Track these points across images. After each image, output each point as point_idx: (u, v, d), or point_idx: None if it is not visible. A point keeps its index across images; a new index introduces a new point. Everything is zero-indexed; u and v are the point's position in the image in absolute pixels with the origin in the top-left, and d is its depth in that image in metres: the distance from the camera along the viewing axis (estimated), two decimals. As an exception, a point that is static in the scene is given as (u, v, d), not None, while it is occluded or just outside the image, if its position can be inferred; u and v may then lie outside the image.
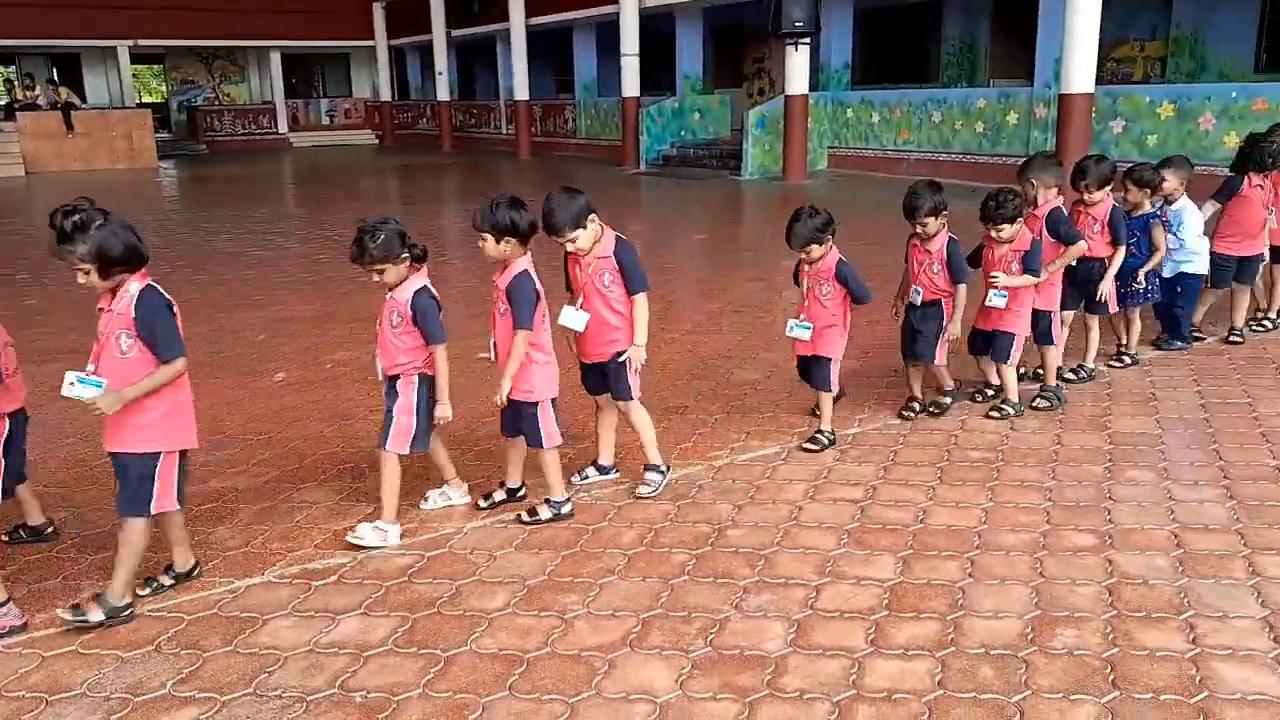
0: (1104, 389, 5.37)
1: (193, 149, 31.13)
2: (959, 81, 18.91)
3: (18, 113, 23.72)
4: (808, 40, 16.26)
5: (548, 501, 3.89)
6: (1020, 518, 3.83)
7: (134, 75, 32.23)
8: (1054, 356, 5.13)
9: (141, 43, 30.23)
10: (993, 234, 4.81)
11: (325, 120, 34.97)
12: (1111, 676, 2.80)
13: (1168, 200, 5.80)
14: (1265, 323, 6.49)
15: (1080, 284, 5.35)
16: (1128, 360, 5.69)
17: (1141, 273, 5.53)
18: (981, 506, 3.93)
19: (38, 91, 25.22)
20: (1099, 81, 12.81)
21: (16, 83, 26.60)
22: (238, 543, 3.81)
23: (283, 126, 33.18)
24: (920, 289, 4.80)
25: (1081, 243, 5.02)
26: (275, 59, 32.43)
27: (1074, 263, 5.09)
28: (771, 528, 3.78)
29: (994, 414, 4.91)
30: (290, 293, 8.95)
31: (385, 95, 33.52)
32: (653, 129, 20.64)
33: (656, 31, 21.05)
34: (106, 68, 31.14)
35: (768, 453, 4.54)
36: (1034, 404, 5.04)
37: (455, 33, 28.25)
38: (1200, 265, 5.91)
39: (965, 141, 15.67)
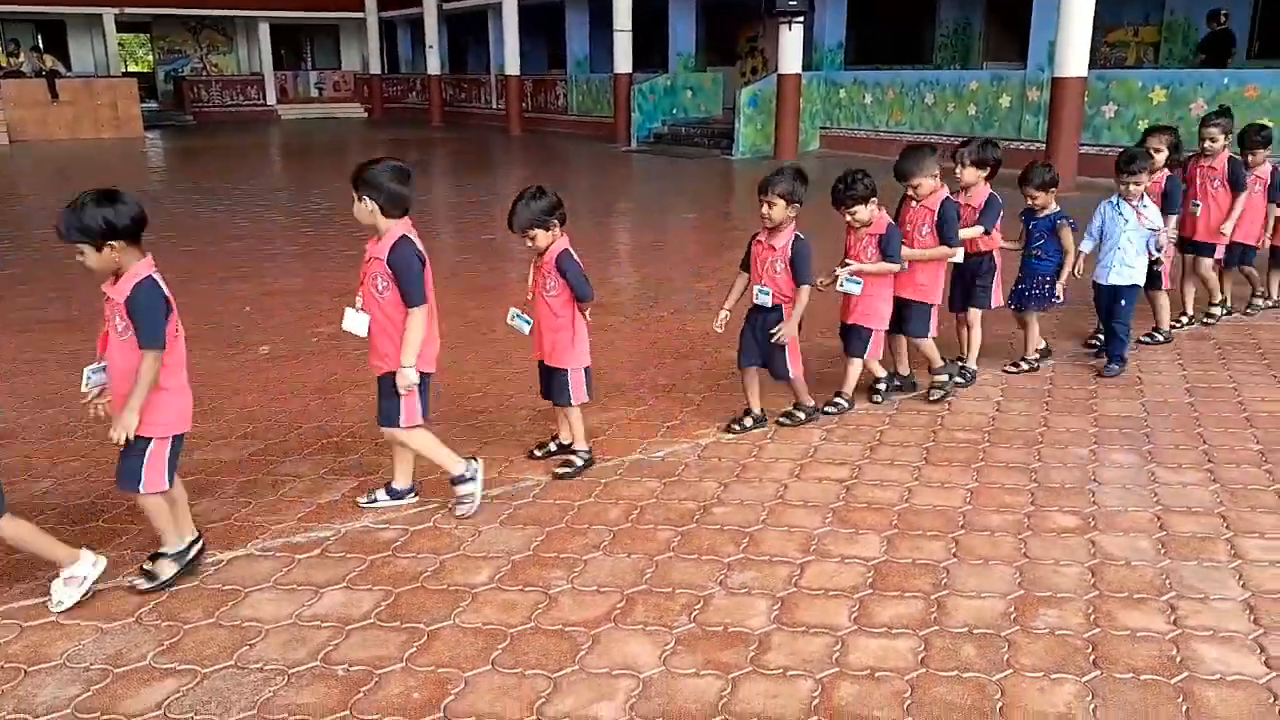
0: (1091, 373, 5.37)
1: (180, 119, 30.77)
2: (952, 63, 18.86)
3: (1, 80, 23.40)
4: (801, 19, 16.16)
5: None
6: (1005, 498, 3.84)
7: (120, 44, 31.83)
8: (929, 348, 4.88)
9: (128, 10, 29.83)
10: (846, 218, 4.55)
11: (314, 92, 34.62)
12: (1093, 656, 2.81)
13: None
14: (1214, 311, 6.35)
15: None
16: (1025, 366, 5.33)
17: (1059, 284, 5.16)
18: (966, 487, 3.94)
19: (22, 59, 24.88)
20: (1092, 65, 12.78)
21: (1, 50, 26.24)
22: (220, 515, 3.79)
23: (271, 98, 32.85)
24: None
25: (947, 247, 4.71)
26: (264, 29, 32.05)
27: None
28: (757, 505, 3.77)
29: (829, 409, 4.68)
30: (277, 265, 8.89)
31: (375, 68, 33.21)
32: (644, 106, 20.52)
33: (649, 8, 20.89)
34: (92, 36, 30.70)
35: (755, 432, 4.53)
36: (929, 396, 4.89)
37: (446, 5, 27.99)
38: (1138, 275, 5.29)
39: (957, 124, 15.62)
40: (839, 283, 4.54)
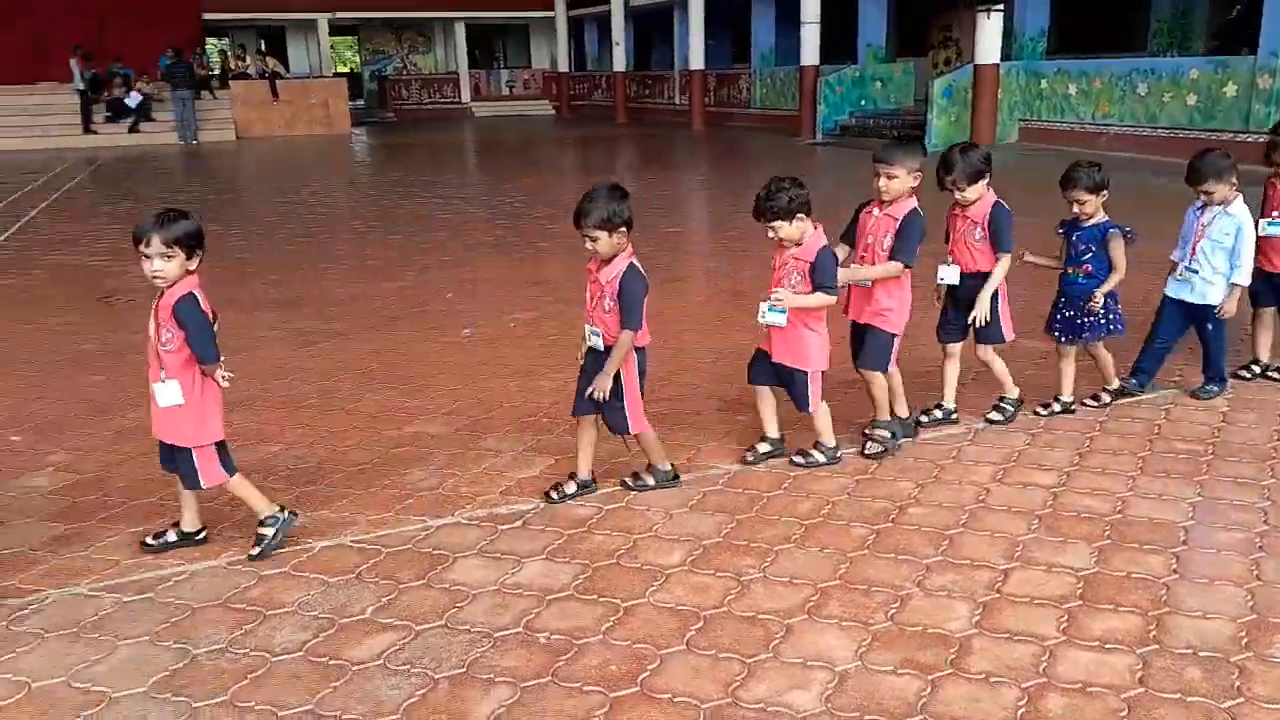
0: (1333, 385, 4.89)
1: (382, 117, 32.74)
2: (1169, 50, 17.53)
3: (231, 81, 25.60)
4: (1000, 7, 15.45)
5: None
6: (1233, 515, 3.55)
7: (331, 47, 34.13)
8: (879, 388, 4.15)
9: (339, 15, 31.99)
10: (769, 234, 3.86)
11: (505, 90, 36.04)
12: (1340, 691, 2.57)
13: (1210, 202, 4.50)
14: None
15: (966, 307, 4.29)
16: (1105, 399, 4.61)
17: (1099, 294, 4.33)
18: (1188, 501, 3.67)
19: (248, 62, 27.13)
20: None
21: (230, 54, 28.70)
22: (430, 484, 4.02)
23: (465, 96, 34.42)
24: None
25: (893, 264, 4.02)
26: (460, 30, 33.62)
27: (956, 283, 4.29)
28: (956, 508, 3.66)
29: (798, 459, 4.07)
30: (475, 255, 9.31)
31: (563, 66, 34.18)
32: (831, 98, 20.19)
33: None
34: (307, 40, 33.13)
35: (954, 432, 4.39)
36: (864, 450, 4.14)
37: (633, 3, 28.44)
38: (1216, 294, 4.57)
39: (1174, 115, 14.54)
40: (759, 314, 3.88)
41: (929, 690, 2.62)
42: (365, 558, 3.43)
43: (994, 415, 4.48)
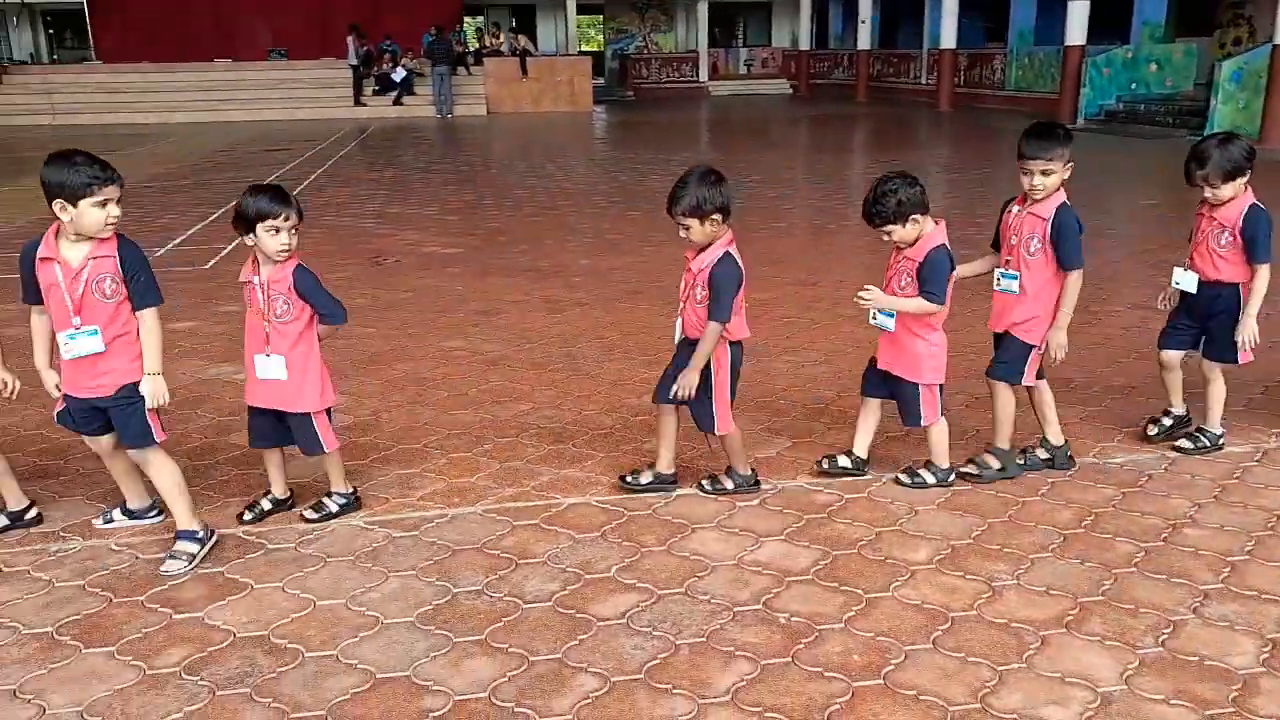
0: None
1: (621, 95, 33.52)
2: None
3: (484, 59, 27.03)
4: (1311, -20, 13.74)
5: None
6: None
7: (578, 25, 35.27)
8: (1002, 404, 3.74)
9: (588, -5, 32.97)
10: (884, 238, 3.56)
11: (743, 69, 35.95)
12: None
13: None
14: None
15: (1201, 317, 3.93)
16: (1204, 441, 3.95)
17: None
18: None
19: (501, 39, 28.54)
20: None
21: (485, 32, 30.29)
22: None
23: (703, 75, 34.62)
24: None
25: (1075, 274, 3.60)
26: (702, 9, 33.79)
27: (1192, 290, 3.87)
28: (1241, 533, 3.32)
29: (904, 478, 3.75)
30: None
31: (804, 44, 33.66)
32: (1097, 81, 18.72)
33: (1112, -27, 18.97)
34: (556, 18, 34.38)
35: (1239, 450, 3.99)
36: (960, 469, 3.75)
37: (883, -20, 27.54)
38: None
39: None
40: (870, 316, 3.65)
41: (1207, 728, 2.41)
42: (609, 518, 3.55)
43: (1184, 444, 3.97)
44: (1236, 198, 3.79)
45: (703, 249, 3.45)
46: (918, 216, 3.46)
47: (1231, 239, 3.79)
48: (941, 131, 19.70)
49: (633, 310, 6.50)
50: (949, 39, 23.62)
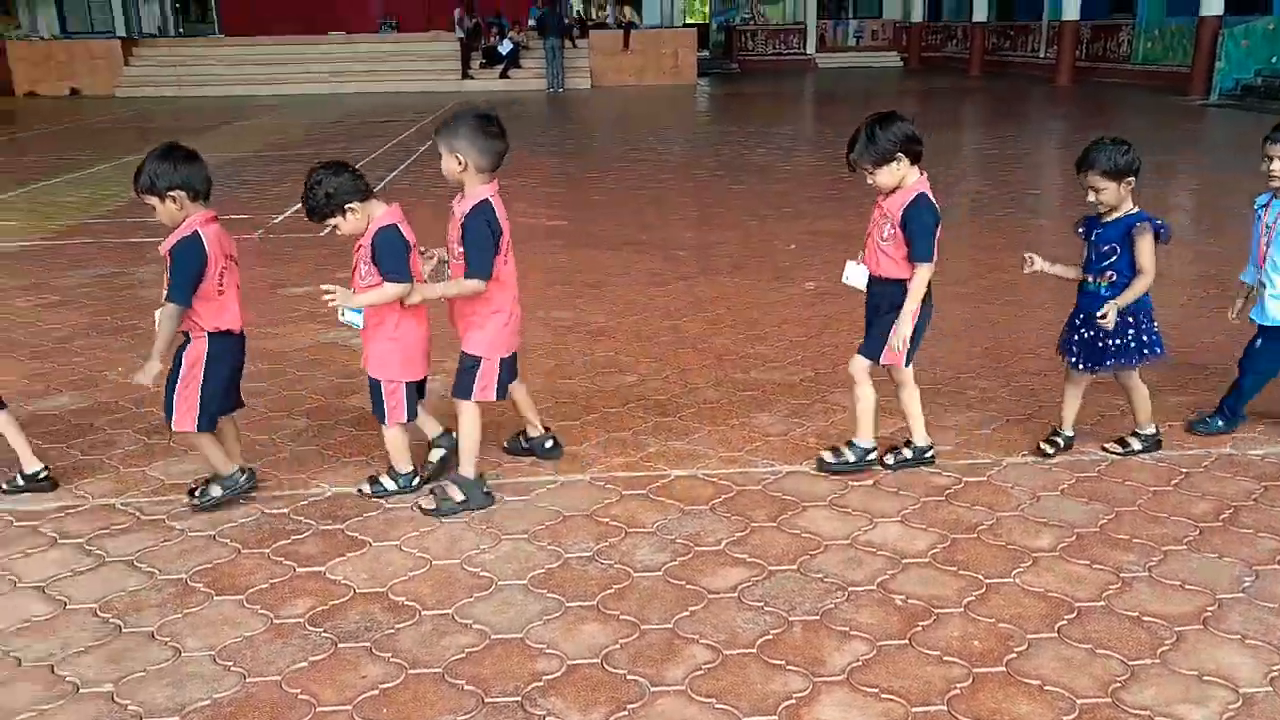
0: None
1: (726, 67, 33.14)
2: None
3: (590, 31, 27.05)
4: None
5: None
6: None
7: (684, -3, 35.00)
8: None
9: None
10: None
11: (851, 41, 35.12)
12: None
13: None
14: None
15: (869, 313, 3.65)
16: (1135, 445, 3.69)
17: (1111, 307, 3.40)
18: None
19: (607, 11, 28.52)
20: None
21: (591, 3, 30.31)
22: (778, 430, 4.05)
23: (810, 47, 33.95)
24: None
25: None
26: (813, -22, 33.10)
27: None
28: (1397, 533, 3.10)
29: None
30: (816, 207, 9.19)
31: (917, 16, 32.68)
32: (1234, 54, 17.64)
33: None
34: (662, -10, 34.12)
35: (1396, 445, 3.73)
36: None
37: (1002, -51, 26.48)
38: None
39: None
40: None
41: (1361, 737, 2.26)
42: (718, 492, 3.53)
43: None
44: (902, 186, 3.41)
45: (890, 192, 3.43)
46: (896, 161, 3.34)
47: (894, 231, 3.43)
48: (1058, 107, 18.87)
49: (738, 284, 6.43)
50: (1072, 10, 22.57)
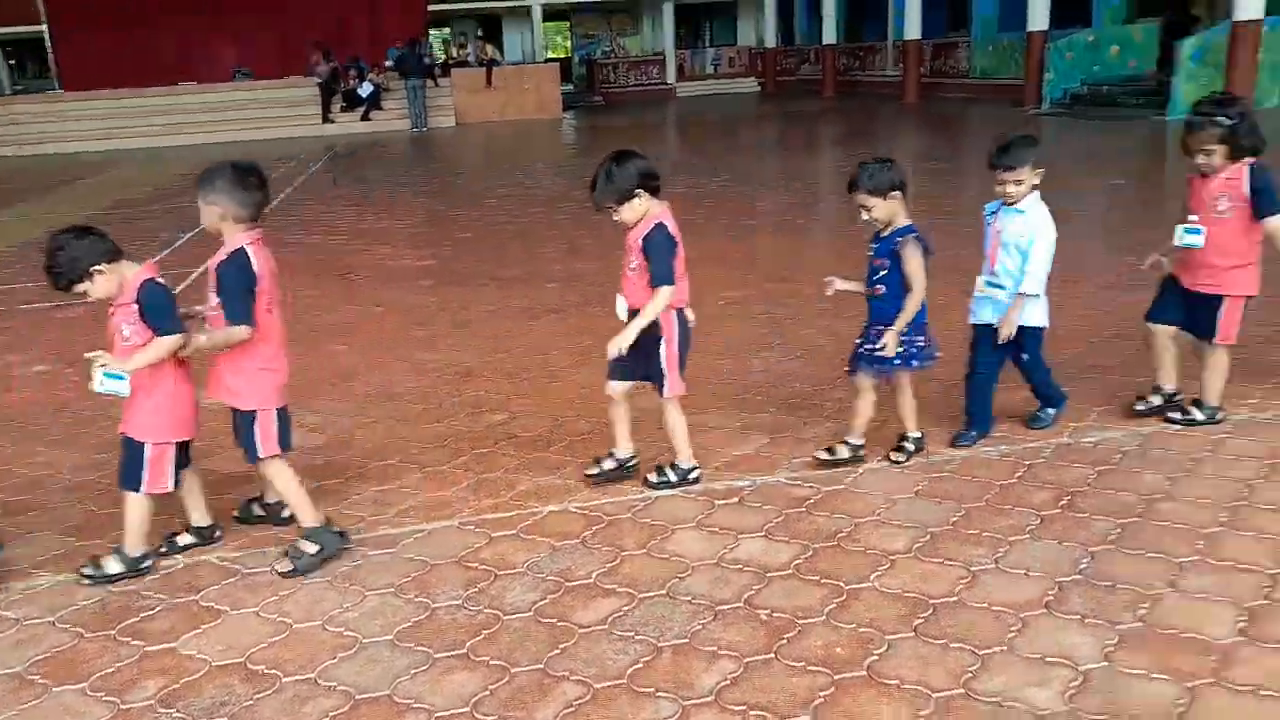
0: None
1: (590, 100, 33.48)
2: None
3: (452, 70, 26.95)
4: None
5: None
6: None
7: (544, 32, 35.25)
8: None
9: (552, 1, 32.92)
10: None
11: (710, 69, 35.99)
12: None
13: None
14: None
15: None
16: (910, 448, 3.85)
17: (891, 335, 3.61)
18: None
19: (468, 50, 28.47)
20: None
21: (451, 43, 30.23)
22: (648, 457, 4.07)
23: (670, 76, 34.64)
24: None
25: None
26: (668, 10, 33.82)
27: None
28: (1214, 505, 3.34)
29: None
30: (683, 234, 9.34)
31: (770, 42, 33.74)
32: (1060, 65, 18.86)
33: (1071, -43, 19.15)
34: (522, 26, 34.33)
35: (1209, 425, 4.00)
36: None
37: (845, -26, 27.66)
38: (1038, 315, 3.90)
39: None
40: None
41: (1188, 699, 2.41)
42: (589, 524, 3.53)
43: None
44: (643, 219, 3.57)
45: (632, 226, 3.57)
46: (636, 198, 3.52)
47: (639, 262, 3.57)
48: (907, 123, 19.78)
49: (606, 314, 6.44)
50: (914, 30, 23.73)
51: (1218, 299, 3.87)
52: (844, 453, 3.84)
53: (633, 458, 3.87)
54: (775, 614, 2.89)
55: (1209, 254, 3.85)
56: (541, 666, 2.72)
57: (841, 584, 3.03)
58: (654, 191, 3.57)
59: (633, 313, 3.65)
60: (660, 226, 3.55)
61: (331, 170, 16.90)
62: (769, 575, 3.11)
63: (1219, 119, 3.71)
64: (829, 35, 28.69)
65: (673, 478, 3.77)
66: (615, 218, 3.58)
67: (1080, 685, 2.49)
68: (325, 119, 24.64)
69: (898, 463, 3.82)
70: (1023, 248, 3.77)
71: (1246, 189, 3.73)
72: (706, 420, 4.42)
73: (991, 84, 22.00)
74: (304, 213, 12.02)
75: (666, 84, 34.45)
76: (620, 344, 3.56)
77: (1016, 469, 3.73)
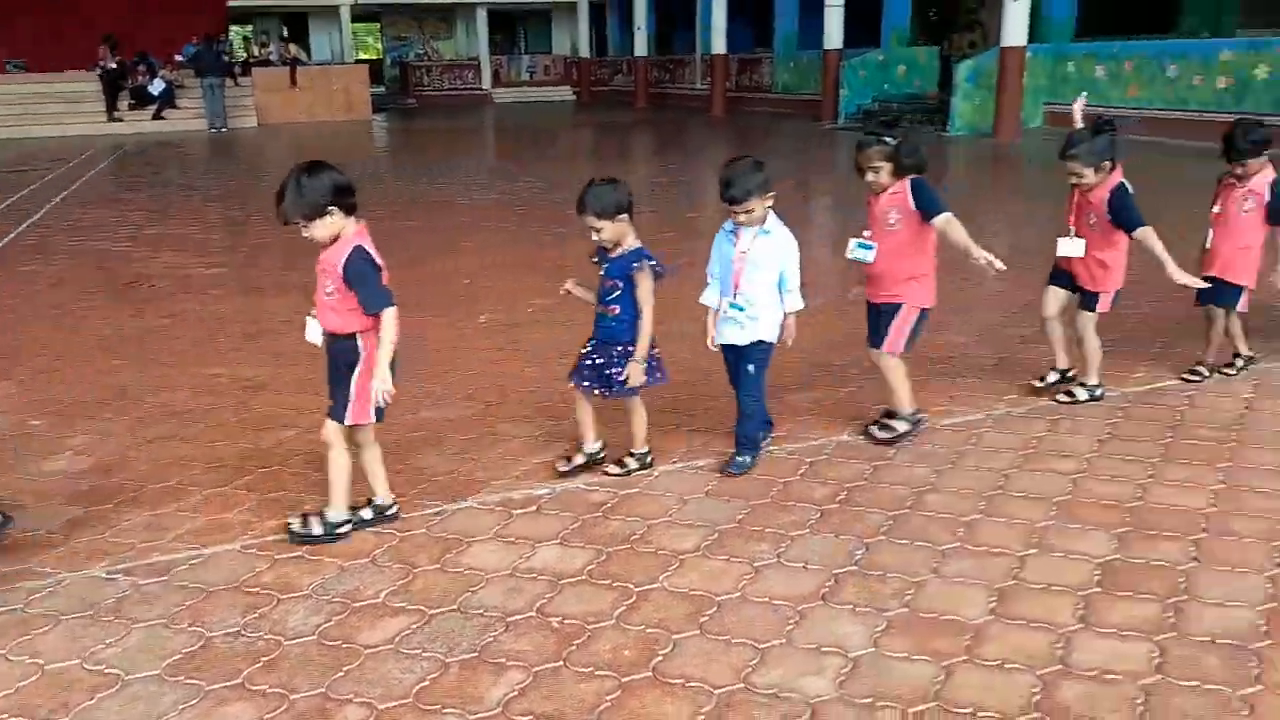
0: (1362, 371, 4.80)
1: (403, 103, 32.74)
2: (1200, 31, 17.25)
3: (253, 68, 25.67)
4: (1028, -11, 15.25)
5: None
6: (1256, 503, 3.50)
7: (354, 33, 34.17)
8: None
9: (362, 2, 31.98)
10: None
11: (525, 76, 35.96)
12: (1364, 682, 2.52)
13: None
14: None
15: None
16: (632, 465, 3.87)
17: (633, 368, 3.66)
18: (1210, 488, 3.62)
19: (271, 49, 27.21)
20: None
21: (252, 41, 28.81)
22: (445, 469, 4.02)
23: (486, 82, 34.39)
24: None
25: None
26: (482, 15, 33.58)
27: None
28: (974, 495, 3.62)
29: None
30: (493, 241, 9.29)
31: (584, 52, 34.06)
32: (854, 83, 20.01)
33: (863, -19, 20.35)
34: (329, 26, 33.16)
35: (973, 418, 4.35)
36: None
37: (655, -13, 28.28)
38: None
39: (1203, 99, 14.30)
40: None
41: (943, 677, 2.60)
42: (380, 541, 3.44)
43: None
44: (340, 239, 3.29)
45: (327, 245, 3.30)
46: (329, 215, 3.22)
47: (335, 287, 3.28)
48: (715, 135, 20.44)
49: (411, 321, 6.29)
50: (719, 44, 24.54)
51: (896, 308, 4.01)
52: (580, 460, 3.88)
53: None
54: (566, 621, 2.91)
55: (887, 265, 4.01)
56: (323, 691, 2.62)
57: (631, 586, 3.08)
58: (349, 210, 3.26)
59: (329, 336, 3.35)
60: (359, 250, 3.24)
61: (118, 172, 15.74)
62: (562, 582, 3.12)
63: (885, 139, 3.96)
64: (640, 48, 29.27)
65: (317, 529, 3.44)
66: (305, 234, 3.26)
67: (850, 671, 2.64)
68: (111, 117, 22.94)
69: (619, 475, 3.83)
70: (774, 267, 3.75)
71: (911, 201, 3.96)
72: (505, 429, 4.40)
73: (793, 99, 23.07)
74: (86, 216, 11.13)
75: (482, 89, 34.17)
76: (383, 387, 3.26)
77: (800, 466, 3.91)
